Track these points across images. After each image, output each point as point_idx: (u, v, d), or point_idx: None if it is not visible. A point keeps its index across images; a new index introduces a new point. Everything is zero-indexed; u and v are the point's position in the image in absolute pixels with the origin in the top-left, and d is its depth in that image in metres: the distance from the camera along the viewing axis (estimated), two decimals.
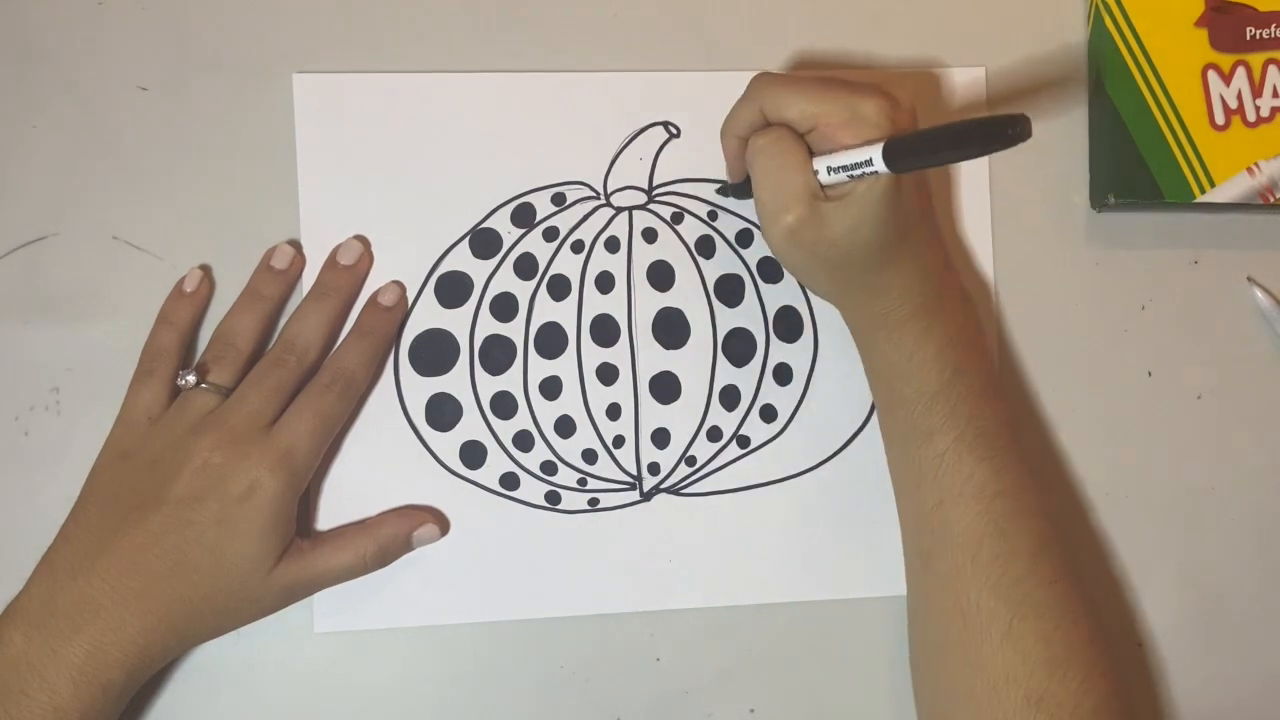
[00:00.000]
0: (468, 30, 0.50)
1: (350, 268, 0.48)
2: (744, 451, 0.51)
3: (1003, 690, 0.42)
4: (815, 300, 0.51)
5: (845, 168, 0.41)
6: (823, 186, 0.42)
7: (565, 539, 0.49)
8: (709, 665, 0.50)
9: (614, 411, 0.50)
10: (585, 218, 0.50)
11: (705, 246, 0.51)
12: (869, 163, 0.40)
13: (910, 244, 0.44)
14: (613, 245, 0.50)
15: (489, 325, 0.50)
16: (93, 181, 0.48)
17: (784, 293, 0.51)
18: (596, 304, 0.50)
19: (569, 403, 0.50)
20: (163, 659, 0.43)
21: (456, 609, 0.49)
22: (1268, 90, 0.52)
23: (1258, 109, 0.52)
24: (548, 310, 0.50)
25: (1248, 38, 0.52)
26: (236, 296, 0.48)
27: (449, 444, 0.49)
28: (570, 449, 0.50)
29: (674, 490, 0.50)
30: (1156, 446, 0.53)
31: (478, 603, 0.49)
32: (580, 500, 0.50)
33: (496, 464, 0.49)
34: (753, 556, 0.50)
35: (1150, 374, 0.53)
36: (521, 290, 0.50)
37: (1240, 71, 0.52)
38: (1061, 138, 0.53)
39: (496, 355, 0.49)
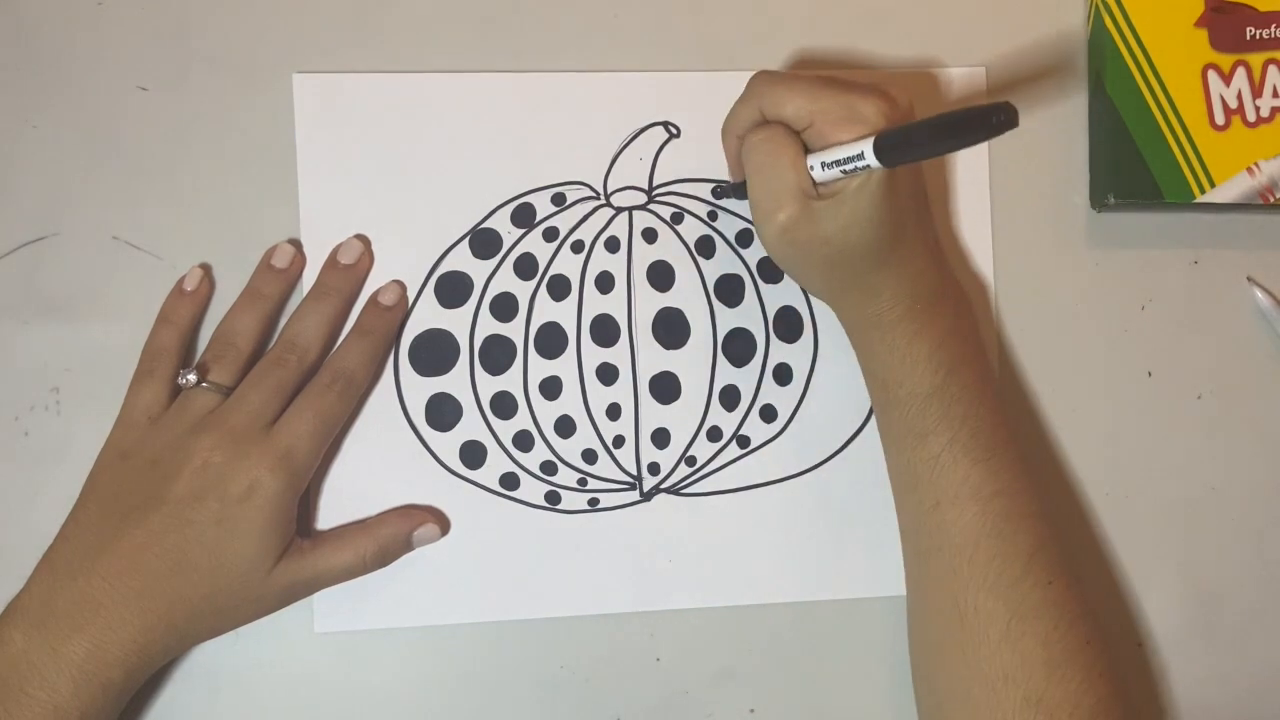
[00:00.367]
0: (468, 30, 0.50)
1: (350, 267, 0.48)
2: (744, 451, 0.51)
3: (1001, 691, 0.42)
4: (815, 300, 0.51)
5: (838, 163, 0.41)
6: (817, 184, 0.42)
7: (565, 539, 0.49)
8: (709, 665, 0.50)
9: (614, 411, 0.50)
10: (585, 218, 0.50)
11: (705, 246, 0.51)
12: (860, 157, 0.40)
13: (904, 245, 0.44)
14: (613, 245, 0.50)
15: (489, 325, 0.50)
16: (93, 181, 0.48)
17: (784, 293, 0.51)
18: (596, 304, 0.50)
19: (569, 403, 0.50)
20: (163, 658, 0.43)
21: (456, 609, 0.49)
22: (1268, 90, 0.52)
23: (1258, 109, 0.52)
24: (548, 310, 0.50)
25: (1248, 38, 0.52)
26: (236, 296, 0.48)
27: (449, 444, 0.49)
28: (570, 449, 0.50)
29: (674, 490, 0.50)
30: (1156, 446, 0.53)
31: (478, 603, 0.49)
32: (580, 500, 0.50)
33: (496, 464, 0.49)
34: (753, 556, 0.50)
35: (1150, 374, 0.53)
36: (521, 290, 0.50)
37: (1240, 71, 0.52)
38: (1061, 137, 0.53)
39: (496, 355, 0.49)
